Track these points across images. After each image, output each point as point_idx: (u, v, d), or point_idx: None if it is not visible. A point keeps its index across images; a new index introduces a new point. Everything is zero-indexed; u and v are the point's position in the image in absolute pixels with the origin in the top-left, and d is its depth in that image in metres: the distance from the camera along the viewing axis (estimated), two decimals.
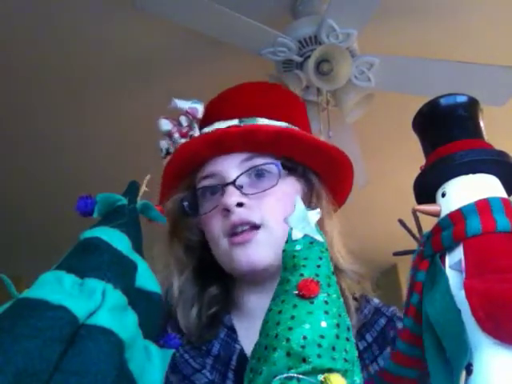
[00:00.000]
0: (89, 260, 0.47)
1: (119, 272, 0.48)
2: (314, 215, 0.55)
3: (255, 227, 0.77)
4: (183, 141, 0.81)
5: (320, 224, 0.79)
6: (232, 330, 0.81)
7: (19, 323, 0.40)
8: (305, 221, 0.54)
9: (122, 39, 2.15)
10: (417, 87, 1.93)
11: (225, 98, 0.89)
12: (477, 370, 0.46)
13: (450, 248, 0.53)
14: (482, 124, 0.59)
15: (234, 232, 0.77)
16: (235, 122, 0.81)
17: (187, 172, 0.83)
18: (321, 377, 0.44)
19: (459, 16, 2.10)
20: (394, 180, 2.60)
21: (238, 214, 0.76)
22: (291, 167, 0.83)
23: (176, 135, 0.82)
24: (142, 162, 2.53)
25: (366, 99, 2.07)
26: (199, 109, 0.83)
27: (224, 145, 0.79)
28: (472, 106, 0.59)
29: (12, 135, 2.62)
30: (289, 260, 0.53)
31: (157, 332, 0.55)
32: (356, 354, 0.49)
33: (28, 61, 2.22)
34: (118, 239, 0.50)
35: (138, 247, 0.54)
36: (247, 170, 0.79)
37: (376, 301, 0.85)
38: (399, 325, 0.81)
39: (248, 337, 0.79)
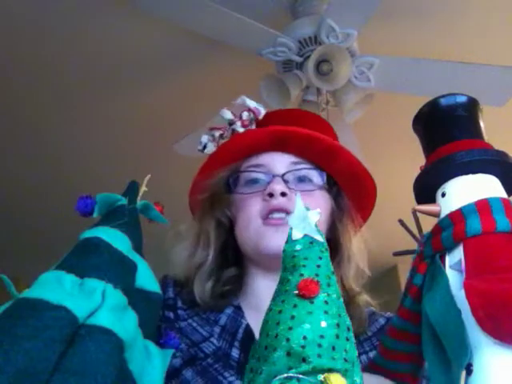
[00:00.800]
0: (89, 260, 0.47)
1: (119, 272, 0.48)
2: (314, 215, 0.55)
3: None
4: (242, 130, 0.90)
5: (348, 244, 0.88)
6: (239, 309, 0.86)
7: (19, 323, 0.40)
8: (305, 221, 0.54)
9: (122, 40, 2.15)
10: (416, 87, 1.93)
11: (281, 110, 1.02)
12: (477, 370, 0.46)
13: (450, 248, 0.53)
14: (481, 124, 0.59)
15: (269, 216, 0.83)
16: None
17: (235, 158, 0.90)
18: (321, 377, 0.44)
19: (459, 16, 2.10)
20: (394, 180, 2.60)
21: (280, 201, 0.83)
22: (331, 184, 0.90)
23: (238, 123, 0.90)
24: (142, 161, 2.54)
25: (366, 99, 2.07)
26: (262, 111, 0.92)
27: (286, 141, 0.87)
28: (472, 106, 0.59)
29: (11, 136, 2.62)
30: (289, 260, 0.53)
31: (156, 332, 0.55)
32: (356, 353, 0.49)
33: (27, 61, 2.22)
34: (118, 239, 0.50)
35: (138, 247, 0.54)
36: (295, 170, 0.87)
37: (373, 308, 0.91)
38: None
39: (253, 318, 0.83)
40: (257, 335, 0.77)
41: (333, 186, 0.91)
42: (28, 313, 0.41)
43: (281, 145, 0.88)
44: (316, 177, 0.89)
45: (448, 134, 0.58)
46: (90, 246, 0.48)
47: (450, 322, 0.48)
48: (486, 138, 0.58)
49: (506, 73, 1.91)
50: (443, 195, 0.56)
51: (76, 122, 2.56)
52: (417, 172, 0.60)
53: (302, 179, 0.88)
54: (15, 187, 2.96)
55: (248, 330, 0.82)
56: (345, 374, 0.45)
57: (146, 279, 0.53)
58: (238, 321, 0.84)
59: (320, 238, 0.54)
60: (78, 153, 2.74)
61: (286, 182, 0.86)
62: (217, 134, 0.91)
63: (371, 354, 0.81)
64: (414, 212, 0.57)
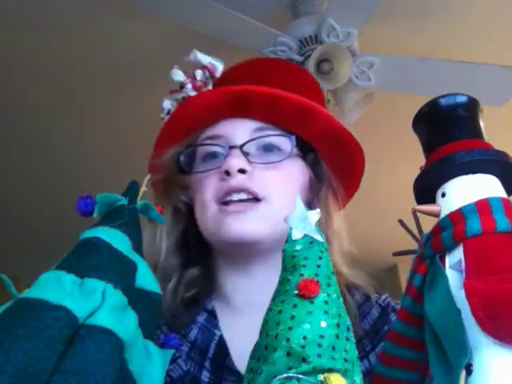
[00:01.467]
0: (89, 260, 0.47)
1: (119, 272, 0.48)
2: (314, 215, 0.56)
3: (256, 200, 0.70)
4: (194, 94, 0.75)
5: (328, 220, 0.76)
6: (212, 315, 0.74)
7: (19, 323, 0.40)
8: (305, 221, 0.55)
9: (122, 40, 2.15)
10: (417, 87, 1.93)
11: (246, 64, 0.82)
12: (477, 370, 0.46)
13: (450, 248, 0.53)
14: (481, 124, 0.59)
15: (227, 200, 0.70)
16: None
17: (191, 129, 0.75)
18: (321, 377, 0.44)
19: (459, 16, 2.10)
20: (394, 180, 2.60)
21: (238, 180, 0.70)
22: (303, 149, 0.76)
23: (188, 86, 0.75)
24: (143, 162, 2.54)
25: (366, 99, 2.08)
26: (219, 67, 0.77)
27: (245, 104, 0.72)
28: (472, 106, 0.59)
29: (12, 136, 2.62)
30: (288, 260, 0.53)
31: (156, 332, 0.55)
32: (356, 353, 0.49)
33: (27, 61, 2.22)
34: (118, 239, 0.50)
35: (137, 247, 0.54)
36: (258, 138, 0.73)
37: (367, 291, 0.79)
38: (394, 318, 0.75)
39: (229, 323, 0.74)
40: (230, 347, 0.70)
41: (309, 152, 0.77)
42: (28, 313, 0.41)
43: (241, 109, 0.72)
44: (285, 143, 0.74)
45: (448, 134, 0.58)
46: (90, 246, 0.48)
47: (449, 322, 0.48)
48: (486, 138, 0.58)
49: (506, 72, 1.91)
50: (443, 195, 0.56)
51: (76, 122, 2.56)
52: (417, 172, 0.59)
53: (267, 148, 0.73)
54: (15, 188, 2.96)
55: (221, 344, 0.71)
56: (345, 373, 0.45)
57: (146, 279, 0.53)
58: (211, 332, 0.72)
59: (320, 238, 0.54)
60: (78, 153, 2.74)
61: (246, 154, 0.71)
62: (180, 96, 0.77)
63: (362, 365, 0.69)
64: (414, 212, 0.57)
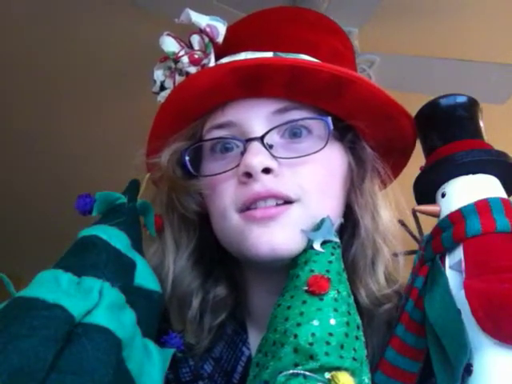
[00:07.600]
0: (86, 258, 0.47)
1: (117, 270, 0.48)
2: (337, 224, 0.56)
3: (288, 202, 0.56)
4: (193, 69, 0.59)
5: (376, 219, 0.61)
6: (242, 327, 0.63)
7: (15, 322, 0.40)
8: (329, 232, 0.54)
9: (122, 39, 2.15)
10: (417, 85, 1.93)
11: (254, 21, 0.65)
12: (477, 371, 0.46)
13: (450, 248, 0.53)
14: (481, 124, 0.59)
15: (250, 207, 0.56)
16: (269, 54, 0.58)
17: (193, 116, 0.60)
18: (328, 375, 0.43)
19: (460, 15, 2.09)
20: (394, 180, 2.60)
21: (265, 183, 0.54)
22: (342, 129, 0.60)
23: (185, 59, 0.59)
24: (142, 161, 2.53)
25: None
26: (220, 30, 0.60)
27: (260, 81, 0.56)
28: (472, 106, 0.59)
29: (11, 135, 2.61)
30: (300, 256, 0.53)
31: (156, 331, 0.55)
32: (365, 352, 0.48)
33: (27, 61, 2.22)
34: (116, 237, 0.50)
35: (137, 245, 0.54)
36: (281, 125, 0.57)
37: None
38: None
39: (258, 341, 0.59)
40: None
41: (346, 132, 0.61)
42: (24, 312, 0.41)
43: (255, 88, 0.57)
44: (317, 125, 0.58)
45: (448, 134, 0.58)
46: (88, 244, 0.48)
47: (449, 322, 0.48)
48: (487, 137, 0.58)
49: (507, 71, 1.91)
50: (443, 195, 0.56)
51: (76, 121, 2.56)
52: (417, 172, 0.59)
53: (296, 133, 0.57)
54: (15, 187, 2.96)
55: (249, 367, 0.57)
56: (353, 373, 0.45)
57: (145, 277, 0.53)
58: (238, 350, 0.61)
59: (335, 239, 0.54)
60: (78, 152, 2.74)
61: (268, 147, 0.56)
62: (184, 60, 0.60)
63: None
64: (414, 212, 0.57)
